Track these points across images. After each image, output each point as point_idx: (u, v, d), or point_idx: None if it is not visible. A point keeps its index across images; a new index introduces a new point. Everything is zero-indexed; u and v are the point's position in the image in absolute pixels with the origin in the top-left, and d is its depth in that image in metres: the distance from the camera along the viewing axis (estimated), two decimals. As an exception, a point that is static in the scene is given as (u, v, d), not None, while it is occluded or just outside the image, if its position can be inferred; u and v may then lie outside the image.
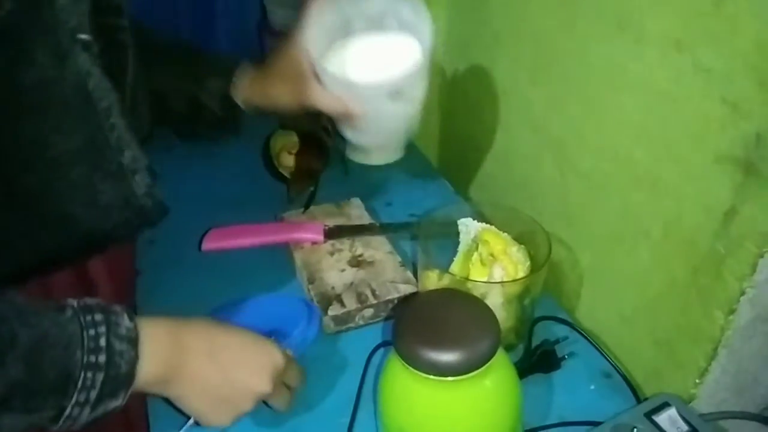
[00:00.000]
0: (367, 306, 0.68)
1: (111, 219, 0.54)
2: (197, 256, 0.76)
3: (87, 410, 0.44)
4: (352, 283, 0.71)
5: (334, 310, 0.67)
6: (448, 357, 0.47)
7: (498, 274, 0.63)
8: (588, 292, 0.71)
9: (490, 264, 0.64)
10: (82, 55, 0.49)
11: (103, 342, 0.44)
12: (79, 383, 0.42)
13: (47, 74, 0.47)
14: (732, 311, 0.52)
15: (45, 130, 0.48)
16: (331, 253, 0.75)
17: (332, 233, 0.78)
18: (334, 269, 0.73)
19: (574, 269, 0.72)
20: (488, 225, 0.68)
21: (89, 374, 0.43)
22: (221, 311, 0.68)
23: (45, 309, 0.43)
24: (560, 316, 0.70)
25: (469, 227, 0.68)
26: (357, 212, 0.83)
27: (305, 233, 0.77)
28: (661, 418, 0.55)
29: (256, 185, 0.90)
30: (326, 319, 0.67)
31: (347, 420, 0.59)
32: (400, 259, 0.74)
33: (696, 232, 0.54)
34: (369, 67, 0.66)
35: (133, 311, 0.48)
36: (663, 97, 0.55)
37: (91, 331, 0.44)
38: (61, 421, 0.43)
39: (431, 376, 0.48)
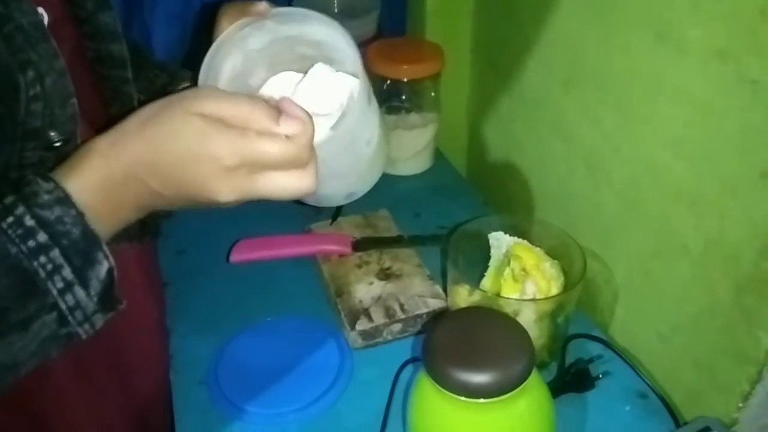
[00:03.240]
0: (396, 321, 0.67)
1: None
2: (225, 267, 0.76)
3: (80, 292, 0.40)
4: (380, 297, 0.70)
5: (362, 324, 0.66)
6: (480, 378, 0.45)
7: (530, 291, 0.62)
8: (623, 308, 0.69)
9: (523, 280, 0.62)
10: (38, 151, 0.44)
11: (29, 221, 0.38)
12: (41, 272, 0.38)
13: None
14: (779, 333, 0.50)
15: None
16: (359, 266, 0.75)
17: (360, 246, 0.77)
18: (362, 282, 0.72)
19: (609, 285, 0.70)
20: (520, 239, 0.66)
21: (42, 258, 0.38)
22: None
23: None
24: (594, 333, 0.68)
25: (500, 241, 0.66)
26: (384, 224, 0.82)
27: (333, 245, 0.77)
28: (703, 444, 0.53)
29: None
30: (353, 335, 0.66)
31: (375, 438, 0.58)
32: (429, 272, 0.73)
33: (740, 249, 0.52)
34: None
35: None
36: (705, 109, 0.53)
37: (9, 219, 0.38)
38: (70, 318, 0.40)
39: (463, 398, 0.46)
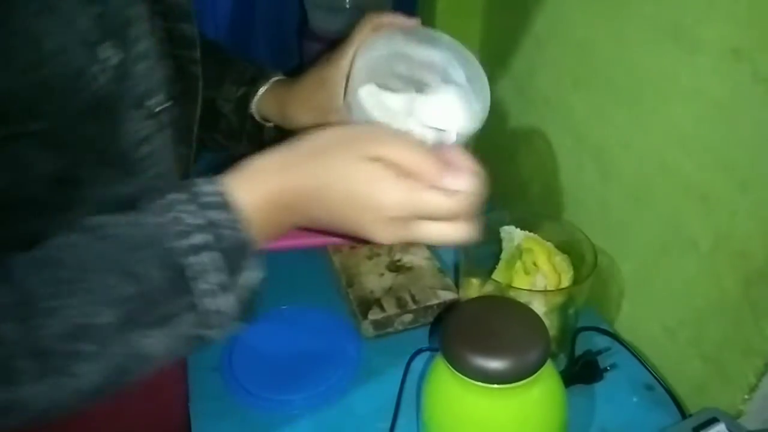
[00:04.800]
0: (407, 311, 0.68)
1: None
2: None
3: (226, 297, 0.39)
4: (391, 288, 0.71)
5: (374, 314, 0.67)
6: (497, 364, 0.46)
7: (541, 284, 0.63)
8: (630, 303, 0.71)
9: (533, 273, 0.63)
10: (146, 122, 0.47)
11: (196, 219, 0.38)
12: (191, 271, 0.38)
13: (130, 142, 0.45)
14: (786, 326, 0.51)
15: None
16: (370, 257, 0.75)
17: (371, 237, 0.78)
18: (373, 273, 0.73)
19: (616, 279, 0.71)
20: (531, 233, 0.67)
21: (199, 257, 0.38)
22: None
23: (115, 217, 0.39)
24: (601, 326, 0.70)
25: (512, 235, 0.67)
26: (394, 217, 0.83)
27: (344, 236, 0.77)
28: (710, 434, 0.54)
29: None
30: (365, 324, 0.67)
31: (387, 425, 0.59)
32: (439, 264, 0.74)
33: (749, 244, 0.53)
34: (407, 122, 0.58)
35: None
36: (718, 106, 0.54)
37: (179, 214, 0.38)
38: (209, 321, 0.39)
39: (479, 383, 0.47)
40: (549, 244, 0.66)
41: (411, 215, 0.41)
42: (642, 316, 0.69)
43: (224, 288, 0.39)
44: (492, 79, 0.97)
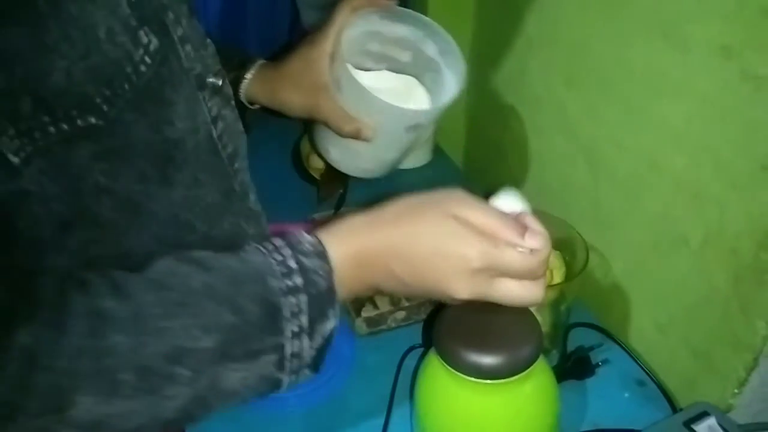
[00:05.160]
0: (400, 308, 0.68)
1: None
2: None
3: (306, 341, 0.41)
4: (384, 285, 0.71)
5: (368, 311, 0.67)
6: (490, 360, 0.47)
7: (533, 279, 0.63)
8: (621, 299, 0.71)
9: (526, 269, 0.64)
10: (213, 100, 0.48)
11: (292, 263, 0.41)
12: (285, 311, 0.40)
13: (185, 128, 0.45)
14: (775, 321, 0.52)
15: (190, 187, 0.47)
16: (362, 255, 0.76)
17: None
18: (366, 271, 0.73)
19: (607, 276, 0.72)
20: (523, 230, 0.68)
21: (292, 299, 0.40)
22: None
23: (222, 254, 0.41)
24: (593, 322, 0.70)
25: (504, 231, 0.67)
26: (386, 215, 0.83)
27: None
28: (701, 428, 0.54)
29: (286, 187, 0.90)
30: (359, 321, 0.67)
31: (381, 422, 0.59)
32: (431, 262, 0.74)
33: (739, 241, 0.54)
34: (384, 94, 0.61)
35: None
36: (707, 104, 0.54)
37: (277, 257, 0.41)
38: (287, 363, 0.40)
39: (472, 378, 0.47)
40: (541, 241, 0.67)
41: (491, 269, 0.43)
42: (633, 312, 0.70)
43: (306, 333, 0.41)
44: (484, 79, 0.98)
